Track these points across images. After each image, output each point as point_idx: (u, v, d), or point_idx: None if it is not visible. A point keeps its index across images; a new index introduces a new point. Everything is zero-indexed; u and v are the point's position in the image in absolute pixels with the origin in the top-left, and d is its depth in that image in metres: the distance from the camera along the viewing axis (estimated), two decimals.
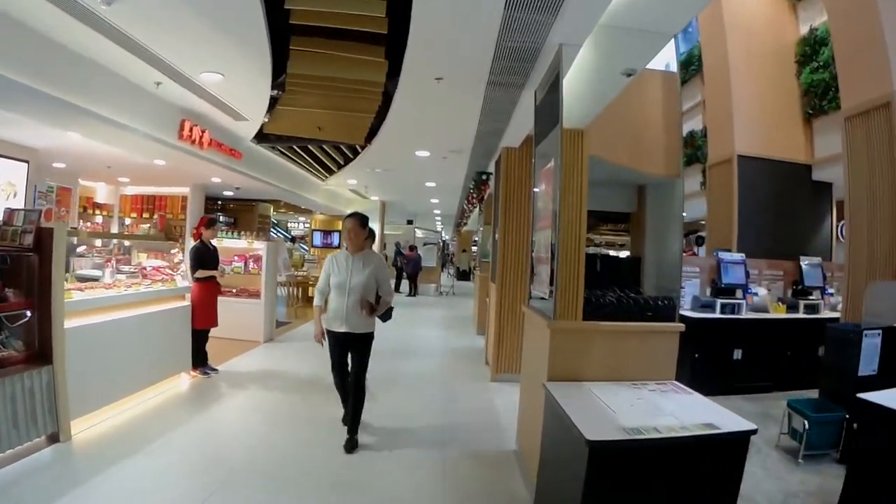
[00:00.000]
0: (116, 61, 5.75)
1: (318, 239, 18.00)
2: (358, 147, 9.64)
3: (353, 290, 5.10)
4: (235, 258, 10.69)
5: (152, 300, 6.69)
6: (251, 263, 10.56)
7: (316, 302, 5.54)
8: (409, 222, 26.17)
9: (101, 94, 6.06)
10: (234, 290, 10.34)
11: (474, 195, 12.02)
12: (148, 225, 9.98)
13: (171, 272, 7.88)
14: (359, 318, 5.18)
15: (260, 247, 10.39)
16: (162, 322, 6.78)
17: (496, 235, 8.40)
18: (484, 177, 10.40)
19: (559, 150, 4.01)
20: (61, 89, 5.54)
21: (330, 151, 10.36)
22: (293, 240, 29.08)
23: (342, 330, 5.24)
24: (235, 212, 14.07)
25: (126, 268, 7.72)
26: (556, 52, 4.36)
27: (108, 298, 5.91)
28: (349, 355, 5.52)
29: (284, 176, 11.36)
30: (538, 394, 4.08)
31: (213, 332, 7.82)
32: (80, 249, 9.02)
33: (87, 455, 4.81)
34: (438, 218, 27.41)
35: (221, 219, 13.24)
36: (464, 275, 32.38)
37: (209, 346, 7.81)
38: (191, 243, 9.03)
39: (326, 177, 12.77)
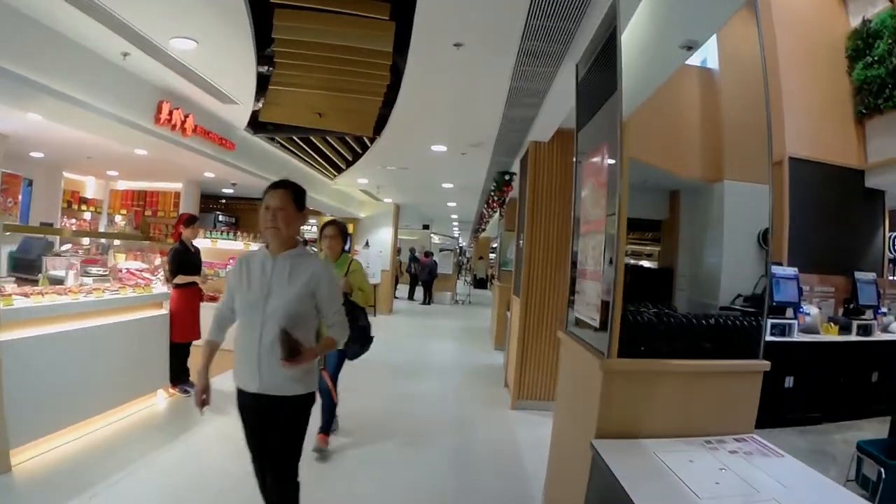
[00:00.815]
0: (74, 27, 4.81)
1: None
2: (366, 140, 8.65)
3: (269, 318, 2.89)
4: (231, 261, 9.73)
5: (120, 308, 5.74)
6: None
7: (207, 335, 3.31)
8: (425, 227, 25.14)
9: (59, 67, 5.09)
10: (214, 294, 9.45)
11: (495, 198, 11.00)
12: (124, 222, 9.04)
13: (148, 276, 6.92)
14: (279, 371, 2.89)
15: (255, 247, 9.40)
16: (132, 333, 5.84)
17: (521, 243, 7.38)
18: (507, 177, 9.38)
19: (618, 128, 2.97)
20: (11, 60, 4.59)
21: (336, 145, 9.37)
22: (306, 242, 28.03)
23: (253, 390, 3.00)
24: (237, 211, 13.10)
25: (95, 270, 6.74)
26: (610, 4, 3.31)
27: (59, 307, 4.90)
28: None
29: (287, 173, 10.38)
30: (579, 447, 3.19)
31: (199, 343, 6.70)
32: (64, 248, 8.11)
33: (28, 490, 3.94)
34: (455, 224, 26.36)
35: (221, 218, 12.30)
36: (480, 283, 31.52)
37: (192, 361, 6.82)
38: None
39: (335, 175, 11.79)
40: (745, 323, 3.34)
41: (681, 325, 3.24)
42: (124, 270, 7.27)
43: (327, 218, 17.12)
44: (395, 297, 20.39)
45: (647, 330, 3.13)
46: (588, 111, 3.66)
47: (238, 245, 9.54)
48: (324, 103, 6.38)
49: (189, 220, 6.72)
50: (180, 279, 6.54)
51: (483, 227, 21.64)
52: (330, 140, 9.04)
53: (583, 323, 3.44)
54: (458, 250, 27.71)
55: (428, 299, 21.04)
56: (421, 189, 13.58)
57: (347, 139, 8.96)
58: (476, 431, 6.17)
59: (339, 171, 11.37)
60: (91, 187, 11.52)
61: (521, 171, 8.04)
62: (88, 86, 5.48)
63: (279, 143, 9.03)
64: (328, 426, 5.28)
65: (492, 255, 40.99)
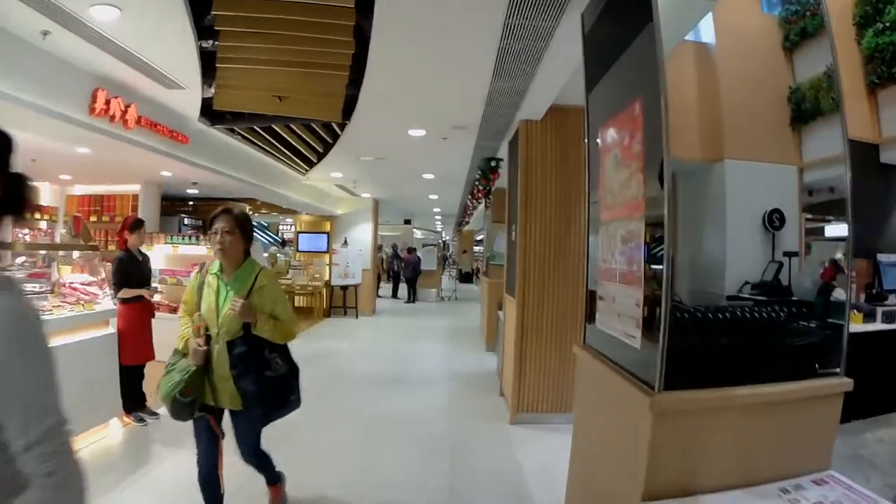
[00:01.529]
0: None
1: (304, 243, 16.09)
2: (336, 127, 7.81)
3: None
4: (193, 268, 8.87)
5: (58, 330, 4.96)
6: None
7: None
8: (407, 222, 24.28)
9: None
10: (177, 306, 8.63)
11: (480, 188, 10.19)
12: (65, 230, 8.18)
13: (94, 291, 6.06)
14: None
15: None
16: (75, 357, 5.04)
17: (514, 235, 6.58)
18: (493, 164, 8.59)
19: (660, 72, 2.19)
20: None
21: (303, 135, 8.49)
22: (284, 244, 27.30)
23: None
24: (205, 213, 12.17)
25: (36, 286, 5.90)
26: None
27: None
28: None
29: (252, 168, 9.55)
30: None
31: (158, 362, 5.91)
32: (19, 261, 7.24)
33: None
34: (438, 217, 25.48)
35: (186, 222, 11.41)
36: (466, 277, 30.80)
37: (149, 385, 5.85)
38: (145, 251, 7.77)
39: (306, 169, 10.93)
40: (807, 324, 2.62)
41: (728, 324, 2.50)
42: (68, 285, 6.41)
43: (305, 218, 16.30)
44: (379, 296, 19.63)
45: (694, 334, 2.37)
46: (601, 66, 2.88)
47: (200, 250, 8.68)
48: (283, 83, 5.53)
49: (135, 225, 5.90)
50: (126, 293, 5.71)
51: (467, 219, 20.85)
52: (296, 129, 8.15)
53: (611, 339, 2.64)
54: (441, 245, 26.85)
55: (412, 297, 20.22)
56: (400, 181, 12.73)
57: (315, 127, 8.09)
58: (472, 456, 5.37)
59: (310, 164, 10.52)
60: (46, 193, 10.62)
61: (510, 156, 7.24)
62: (6, 73, 4.60)
63: (240, 135, 8.16)
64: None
65: (477, 249, 40.57)
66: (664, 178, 2.12)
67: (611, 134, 2.73)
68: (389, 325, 14.39)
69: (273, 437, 5.38)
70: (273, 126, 7.89)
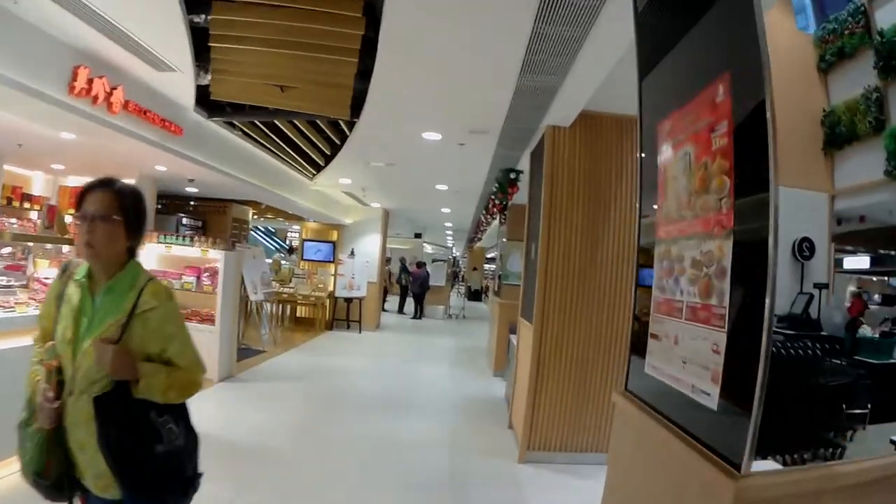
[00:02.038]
0: None
1: (309, 251, 15.53)
2: (345, 127, 7.26)
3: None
4: (187, 271, 8.32)
5: (10, 331, 4.39)
6: (204, 278, 8.17)
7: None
8: (417, 236, 23.73)
9: None
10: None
11: (497, 201, 9.61)
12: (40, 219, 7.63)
13: None
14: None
15: (217, 256, 7.99)
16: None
17: (533, 254, 5.99)
18: (513, 176, 7.99)
19: (760, 38, 1.61)
20: None
21: (309, 134, 7.95)
22: (291, 251, 26.76)
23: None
24: (203, 214, 11.64)
25: (7, 279, 5.39)
26: None
27: None
28: None
29: (255, 169, 9.01)
30: None
31: None
32: (5, 251, 6.72)
33: None
34: (450, 232, 24.89)
35: (185, 221, 10.85)
36: (475, 294, 30.22)
37: None
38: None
39: (313, 174, 10.40)
40: None
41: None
42: (41, 279, 5.90)
43: (311, 225, 15.76)
44: (384, 310, 19.04)
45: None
46: (662, 42, 2.28)
47: (195, 252, 8.12)
48: (283, 68, 4.97)
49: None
50: None
51: (479, 236, 20.29)
52: (301, 127, 7.60)
53: (669, 390, 2.03)
54: (451, 261, 26.27)
55: (419, 313, 19.61)
56: (412, 191, 12.17)
57: (321, 125, 7.55)
58: (476, 497, 4.74)
59: (317, 168, 9.98)
60: (38, 183, 10.10)
61: (532, 168, 6.67)
62: None
63: (241, 130, 7.63)
64: None
65: (487, 266, 40.01)
66: (771, 177, 1.52)
67: (678, 127, 2.13)
68: (393, 343, 13.79)
69: (254, 461, 4.76)
70: (276, 123, 7.36)
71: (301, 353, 11.03)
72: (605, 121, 5.55)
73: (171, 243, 8.28)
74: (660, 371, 2.12)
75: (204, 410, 6.47)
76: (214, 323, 7.90)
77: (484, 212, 12.60)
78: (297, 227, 20.24)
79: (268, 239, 31.02)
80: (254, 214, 14.96)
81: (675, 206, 2.08)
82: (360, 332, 14.40)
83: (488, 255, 39.65)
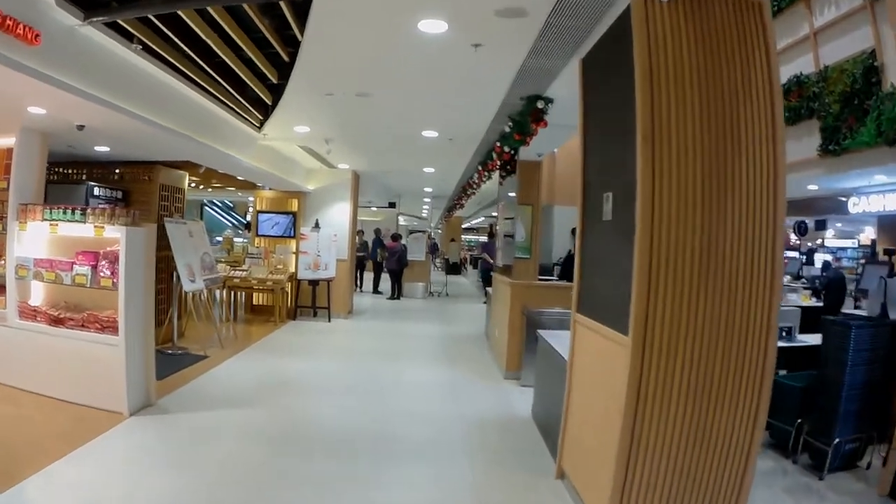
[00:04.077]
0: None
1: (265, 225, 13.02)
2: (295, 30, 4.88)
3: None
4: (79, 258, 5.91)
5: None
6: (104, 267, 5.76)
7: None
8: (392, 205, 21.24)
9: None
10: (59, 314, 5.95)
11: (506, 149, 7.32)
12: None
13: None
14: None
15: (116, 235, 5.59)
16: None
17: (607, 214, 3.71)
18: (541, 105, 5.70)
19: None
20: None
21: (240, 44, 5.47)
22: (248, 227, 23.90)
23: None
24: (126, 182, 9.09)
25: None
26: None
27: None
28: None
29: (178, 112, 6.59)
30: None
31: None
32: None
33: None
34: (428, 199, 22.34)
35: (98, 192, 8.30)
36: (454, 268, 28.14)
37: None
38: (13, 231, 6.07)
39: (260, 121, 7.97)
40: None
41: None
42: None
43: (267, 194, 13.27)
44: (360, 290, 16.79)
45: None
46: None
47: (87, 230, 5.69)
48: None
49: None
50: None
51: (462, 202, 17.95)
52: (225, 27, 5.10)
53: None
54: (429, 233, 23.92)
55: (397, 293, 17.31)
56: (389, 143, 9.64)
57: (255, 20, 5.07)
58: None
59: (263, 109, 7.54)
60: None
61: (589, 80, 4.36)
62: None
63: (139, 39, 5.16)
64: None
65: (465, 237, 38.17)
66: None
67: None
68: (370, 333, 11.48)
69: None
70: (193, 27, 4.92)
71: (254, 354, 8.69)
72: None
73: (58, 219, 5.85)
74: None
75: (88, 473, 4.24)
76: (117, 332, 5.53)
77: (479, 169, 10.26)
78: (251, 198, 17.65)
79: (225, 215, 28.28)
80: (195, 183, 12.39)
81: None
82: (328, 321, 12.10)
83: (464, 226, 37.80)
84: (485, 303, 17.40)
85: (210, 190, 15.35)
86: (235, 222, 28.13)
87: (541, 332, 5.92)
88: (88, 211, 5.80)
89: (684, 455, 3.34)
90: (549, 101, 5.78)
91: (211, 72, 6.10)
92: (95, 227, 5.66)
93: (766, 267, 3.26)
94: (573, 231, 9.07)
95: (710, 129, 3.25)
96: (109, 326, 5.62)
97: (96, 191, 8.31)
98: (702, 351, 3.27)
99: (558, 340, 5.39)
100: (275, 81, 6.29)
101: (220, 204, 27.24)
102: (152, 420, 5.60)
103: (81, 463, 4.47)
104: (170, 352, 8.22)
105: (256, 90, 6.58)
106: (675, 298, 3.24)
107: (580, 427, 4.18)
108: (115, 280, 5.59)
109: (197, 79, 6.17)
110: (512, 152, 7.67)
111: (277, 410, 6.16)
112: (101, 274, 5.70)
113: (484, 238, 24.33)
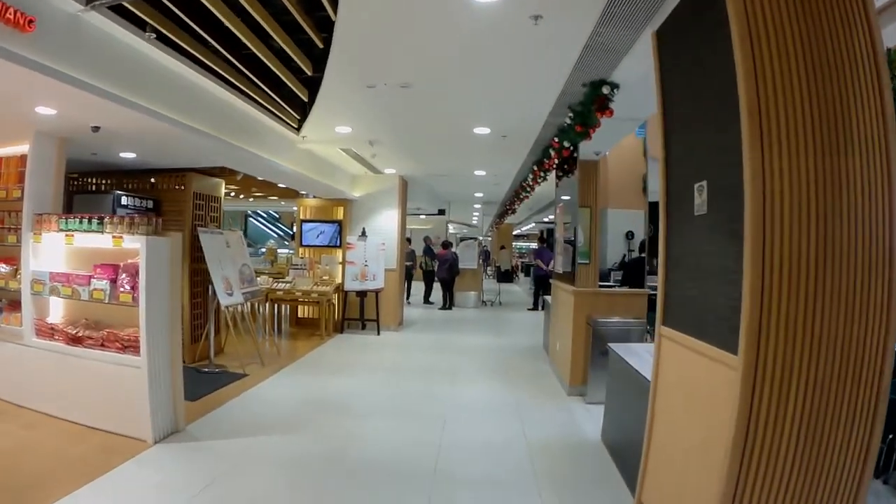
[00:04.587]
0: None
1: (309, 235, 12.53)
2: (329, 9, 4.31)
3: None
4: (97, 271, 5.44)
5: None
6: (125, 280, 5.26)
7: None
8: (441, 212, 20.65)
9: None
10: (78, 332, 5.44)
11: (565, 144, 6.65)
12: None
13: None
14: None
15: (135, 246, 5.09)
16: None
17: (702, 207, 3.01)
18: (607, 90, 5.04)
19: None
20: None
21: (273, 35, 4.94)
22: (293, 237, 23.46)
23: None
24: (157, 192, 8.64)
25: None
26: None
27: None
28: None
29: (208, 113, 6.12)
30: None
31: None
32: None
33: None
34: (478, 205, 21.62)
35: (126, 201, 7.85)
36: (505, 276, 27.43)
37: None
38: (28, 243, 5.70)
39: (298, 121, 7.45)
40: None
41: None
42: None
43: (311, 203, 12.79)
44: (408, 303, 16.23)
45: None
46: None
47: (106, 241, 5.21)
48: None
49: None
50: None
51: (514, 207, 17.25)
52: (247, 7, 4.54)
53: None
54: (480, 241, 23.28)
55: (448, 303, 16.69)
56: (437, 143, 9.03)
57: (298, 19, 4.54)
58: None
59: (300, 109, 7.01)
60: None
61: (667, 54, 3.66)
62: None
63: (153, 27, 4.64)
64: None
65: (515, 244, 37.58)
66: None
67: None
68: (421, 347, 10.74)
69: None
70: (208, 5, 4.39)
71: (296, 372, 8.13)
72: None
73: (74, 230, 5.38)
74: None
75: None
76: (139, 353, 5.02)
77: (534, 170, 9.58)
78: (295, 208, 17.23)
79: (270, 226, 28.07)
80: (234, 192, 11.96)
81: None
82: (378, 334, 11.51)
83: (515, 233, 37.09)
84: (530, 309, 16.79)
85: (252, 200, 14.99)
86: (281, 233, 27.90)
87: (612, 345, 5.22)
88: (106, 220, 5.31)
89: (792, 492, 2.65)
90: (615, 86, 5.10)
91: (239, 65, 5.57)
92: (114, 237, 5.17)
93: (883, 270, 2.56)
94: (627, 234, 9.00)
95: (817, 104, 2.55)
96: (131, 346, 5.12)
97: (124, 200, 7.87)
98: (818, 371, 2.56)
99: (633, 355, 4.70)
100: (309, 73, 5.71)
101: (264, 215, 27.06)
102: (179, 449, 5.06)
103: (97, 498, 3.96)
104: (206, 370, 7.74)
105: (291, 85, 6.02)
106: (791, 310, 2.53)
107: (667, 458, 3.47)
108: (135, 295, 5.08)
109: (223, 73, 5.65)
110: (571, 149, 6.99)
111: (318, 437, 5.55)
112: (121, 289, 5.20)
113: (535, 245, 23.64)
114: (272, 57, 5.44)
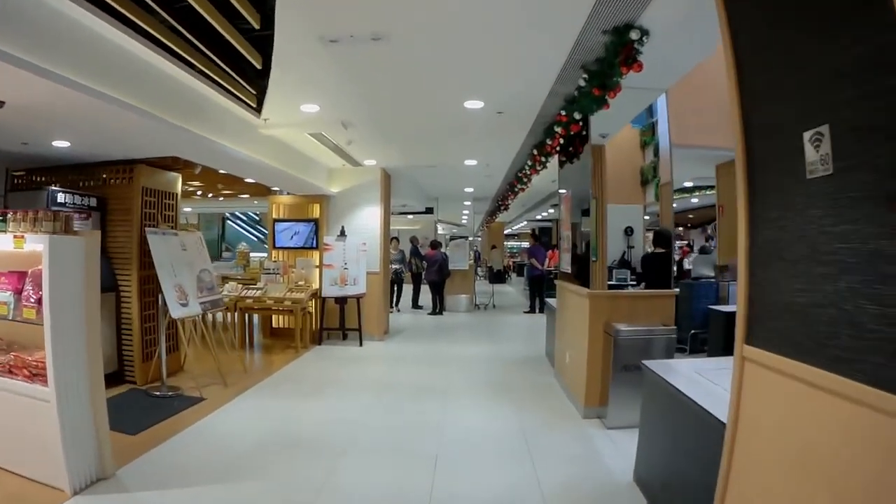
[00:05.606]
0: None
1: (283, 236, 11.48)
2: None
3: None
4: (3, 279, 4.42)
5: None
6: (28, 293, 4.24)
7: None
8: (429, 210, 19.63)
9: None
10: None
11: (575, 117, 5.67)
12: None
13: None
14: None
15: (37, 245, 4.06)
16: None
17: (818, 154, 1.98)
18: (636, 35, 4.08)
19: None
20: None
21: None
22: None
23: None
24: (103, 188, 7.56)
25: None
26: None
27: None
28: None
29: (150, 87, 5.13)
30: None
31: None
32: None
33: None
34: (468, 202, 20.57)
35: (62, 198, 6.77)
36: (498, 276, 26.61)
37: None
38: None
39: (254, 97, 6.41)
40: None
41: None
42: None
43: (283, 200, 11.75)
44: (395, 310, 15.26)
45: None
46: None
47: (6, 242, 4.18)
48: None
49: None
50: None
51: (507, 203, 16.29)
52: None
53: None
54: (471, 240, 22.30)
55: (439, 307, 15.68)
56: (423, 123, 7.86)
57: None
58: None
59: (256, 84, 6.00)
60: None
61: None
62: None
63: None
64: None
65: (508, 244, 36.83)
66: None
67: None
68: (409, 359, 9.64)
69: None
70: None
71: (262, 394, 7.07)
72: None
73: None
74: None
75: None
76: (47, 383, 3.99)
77: (533, 155, 8.59)
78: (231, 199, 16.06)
79: (249, 228, 26.95)
80: (199, 190, 10.87)
81: None
82: (360, 345, 10.48)
83: (506, 232, 36.30)
84: (526, 312, 15.89)
85: (221, 199, 13.90)
86: (262, 236, 26.82)
87: (647, 362, 4.22)
88: (9, 216, 4.28)
89: None
90: (644, 32, 4.12)
91: (173, 21, 4.52)
92: (15, 237, 4.13)
93: None
94: (627, 230, 9.23)
95: None
96: (39, 374, 4.09)
97: (60, 197, 6.81)
98: None
99: (677, 375, 3.73)
100: (256, 27, 4.62)
101: (244, 217, 25.95)
102: (101, 503, 4.04)
103: None
104: (158, 394, 6.70)
105: (238, 46, 4.92)
106: None
107: None
108: (39, 309, 4.05)
109: (154, 32, 4.60)
110: (581, 124, 6.01)
111: (276, 486, 4.49)
112: (25, 303, 4.17)
113: (526, 244, 22.86)
114: (212, 9, 4.40)
